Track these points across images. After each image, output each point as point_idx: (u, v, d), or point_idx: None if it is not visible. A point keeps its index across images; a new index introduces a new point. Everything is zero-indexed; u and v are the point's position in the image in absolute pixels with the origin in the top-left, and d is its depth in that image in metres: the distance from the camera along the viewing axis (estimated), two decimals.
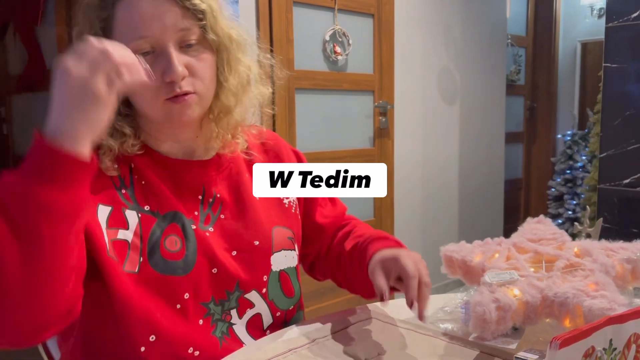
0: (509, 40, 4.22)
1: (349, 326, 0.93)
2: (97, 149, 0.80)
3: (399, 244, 0.95)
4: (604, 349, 0.54)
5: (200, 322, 0.84)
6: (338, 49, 2.71)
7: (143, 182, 0.84)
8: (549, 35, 4.61)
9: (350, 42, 2.75)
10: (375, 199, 2.98)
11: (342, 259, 1.01)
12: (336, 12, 2.68)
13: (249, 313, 0.89)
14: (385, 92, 2.95)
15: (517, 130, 4.57)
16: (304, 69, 2.58)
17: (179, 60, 0.79)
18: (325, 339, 0.88)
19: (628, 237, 0.98)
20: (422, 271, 0.84)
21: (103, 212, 0.79)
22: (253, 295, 0.89)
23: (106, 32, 0.80)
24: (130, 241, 0.80)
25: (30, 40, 2.45)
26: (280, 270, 0.93)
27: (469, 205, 3.62)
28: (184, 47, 0.80)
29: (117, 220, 0.80)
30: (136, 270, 0.80)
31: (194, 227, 0.85)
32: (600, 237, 1.05)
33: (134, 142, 0.83)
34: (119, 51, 0.68)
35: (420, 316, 0.82)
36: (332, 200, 1.07)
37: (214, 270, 0.85)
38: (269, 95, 0.94)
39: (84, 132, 0.66)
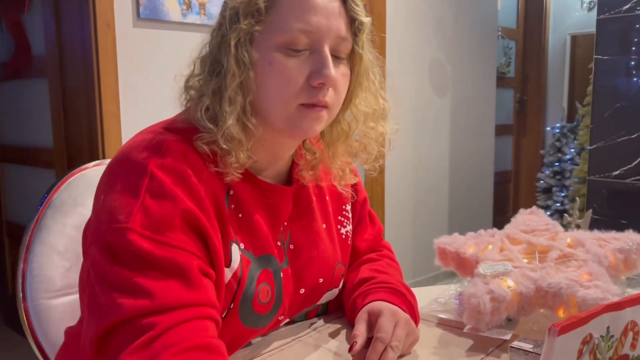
0: (500, 33, 4.22)
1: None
2: (224, 155, 0.71)
3: (399, 299, 0.84)
4: (601, 336, 0.54)
5: None
6: None
7: (240, 215, 0.74)
8: (539, 27, 4.62)
9: None
10: (366, 191, 2.97)
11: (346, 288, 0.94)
12: None
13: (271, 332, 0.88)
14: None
15: (506, 123, 4.58)
16: None
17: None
18: (326, 326, 0.89)
19: (617, 228, 0.99)
20: (397, 334, 0.76)
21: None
22: (284, 322, 0.87)
23: (269, 10, 0.70)
24: (227, 282, 0.71)
25: (17, 27, 2.41)
26: (321, 303, 0.90)
27: (459, 197, 3.63)
28: (333, 57, 0.72)
29: (224, 255, 0.71)
30: (223, 316, 0.72)
31: (282, 274, 0.79)
32: (589, 229, 1.06)
33: (248, 155, 0.72)
34: None
35: None
36: (372, 220, 1.00)
37: (281, 318, 0.83)
38: (388, 135, 0.85)
39: None
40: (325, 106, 0.73)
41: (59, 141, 2.19)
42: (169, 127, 0.73)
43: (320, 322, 0.91)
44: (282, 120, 0.73)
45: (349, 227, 0.93)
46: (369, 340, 0.77)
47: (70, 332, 0.85)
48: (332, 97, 0.74)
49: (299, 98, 0.71)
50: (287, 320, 0.88)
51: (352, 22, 0.74)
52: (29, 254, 0.97)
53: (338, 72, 0.73)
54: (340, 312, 0.94)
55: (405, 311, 0.82)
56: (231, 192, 0.74)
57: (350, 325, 0.85)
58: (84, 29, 1.93)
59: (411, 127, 3.23)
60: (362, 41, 0.76)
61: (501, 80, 4.30)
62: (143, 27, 2.01)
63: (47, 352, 0.97)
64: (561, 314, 0.82)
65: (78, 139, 2.09)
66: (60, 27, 2.07)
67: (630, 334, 0.57)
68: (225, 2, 0.74)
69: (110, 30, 1.92)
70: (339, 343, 0.83)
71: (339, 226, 0.91)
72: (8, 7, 2.42)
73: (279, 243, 0.80)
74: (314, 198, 0.86)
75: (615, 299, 0.76)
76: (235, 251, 0.73)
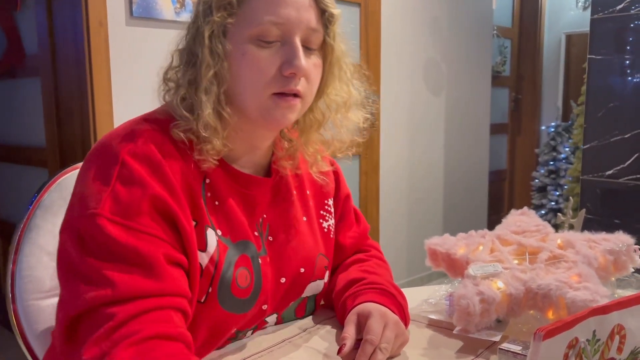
0: (495, 32, 4.23)
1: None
2: (202, 141, 0.73)
3: (389, 300, 0.84)
4: (587, 340, 0.54)
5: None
6: None
7: (217, 203, 0.77)
8: (534, 26, 4.62)
9: None
10: (360, 189, 2.97)
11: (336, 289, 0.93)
12: None
13: (260, 331, 0.88)
14: (371, 82, 2.93)
15: (502, 122, 4.59)
16: None
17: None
18: (316, 327, 0.89)
19: (610, 227, 0.99)
20: (386, 336, 0.76)
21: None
22: (272, 318, 0.88)
23: (241, 4, 0.73)
24: (204, 266, 0.73)
25: (9, 25, 2.40)
26: (306, 297, 0.91)
27: (454, 195, 3.63)
28: (304, 48, 0.75)
29: (199, 239, 0.73)
30: (202, 300, 0.74)
31: (260, 260, 0.81)
32: (582, 228, 1.06)
33: (224, 143, 0.75)
34: None
35: None
36: (358, 218, 1.02)
37: (264, 307, 0.83)
38: (360, 124, 0.88)
39: None
40: (297, 95, 0.76)
41: (51, 140, 2.18)
42: (148, 117, 0.76)
43: (310, 323, 0.91)
44: (256, 109, 0.75)
45: (332, 222, 0.94)
46: (358, 342, 0.77)
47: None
48: (305, 86, 0.76)
49: (271, 87, 0.74)
50: (275, 315, 0.88)
51: (323, 14, 0.77)
52: (18, 255, 0.97)
53: (309, 62, 0.76)
54: (331, 313, 0.94)
55: (394, 312, 0.82)
56: (207, 181, 0.76)
57: (341, 326, 0.85)
58: (77, 27, 1.92)
59: (406, 126, 3.23)
60: (333, 32, 0.78)
61: (496, 79, 4.30)
62: (136, 26, 2.00)
63: (37, 353, 0.96)
64: (550, 315, 0.82)
65: (71, 137, 2.08)
66: (53, 26, 2.06)
67: (617, 337, 0.57)
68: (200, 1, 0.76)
69: (103, 29, 1.91)
70: (329, 344, 0.83)
71: (321, 220, 0.92)
72: (0, 6, 2.41)
73: (256, 233, 0.82)
74: (295, 191, 0.88)
75: (605, 300, 0.77)
76: (211, 236, 0.74)
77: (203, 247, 0.73)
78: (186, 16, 2.11)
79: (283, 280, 0.85)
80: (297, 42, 0.74)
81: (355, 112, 0.86)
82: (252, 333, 0.86)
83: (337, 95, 0.83)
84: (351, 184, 2.93)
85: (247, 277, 0.78)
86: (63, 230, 0.69)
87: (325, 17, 0.77)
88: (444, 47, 3.41)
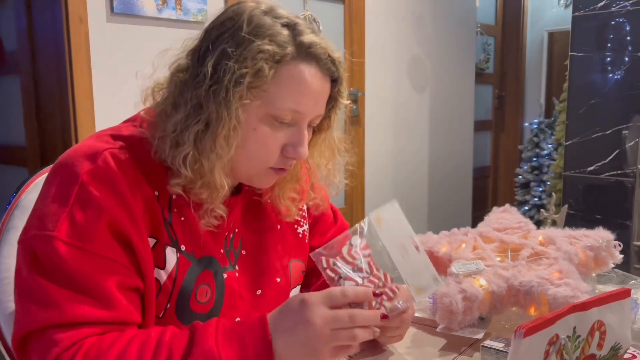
0: (479, 29, 4.25)
1: None
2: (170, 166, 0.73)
3: None
4: (567, 337, 0.55)
5: None
6: None
7: (182, 219, 0.77)
8: (517, 24, 4.66)
9: (321, 28, 2.72)
10: (346, 186, 2.97)
11: None
12: None
13: None
14: (356, 79, 2.93)
15: (485, 119, 4.61)
16: None
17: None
18: None
19: (592, 222, 1.00)
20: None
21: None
22: None
23: (272, 79, 0.73)
24: (162, 283, 0.74)
25: None
26: None
27: (439, 192, 3.65)
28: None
29: (157, 257, 0.74)
30: (160, 315, 0.75)
31: (225, 275, 0.81)
32: (565, 223, 1.07)
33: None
34: (364, 314, 0.67)
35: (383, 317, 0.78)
36: (336, 215, 1.04)
37: (237, 320, 0.82)
38: (338, 184, 0.93)
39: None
40: (288, 169, 0.80)
41: (31, 139, 2.14)
42: (114, 133, 0.76)
43: None
44: (247, 174, 0.79)
45: (306, 227, 0.95)
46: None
47: None
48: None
49: (270, 163, 0.77)
50: None
51: (332, 100, 0.81)
52: None
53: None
54: None
55: None
56: (174, 197, 0.76)
57: None
58: (56, 24, 1.89)
59: (390, 124, 3.23)
60: (334, 114, 0.83)
61: (480, 76, 4.32)
62: (117, 22, 1.98)
63: (17, 357, 0.95)
64: (532, 312, 0.82)
65: (51, 136, 2.05)
66: (32, 22, 2.03)
67: (597, 333, 0.57)
68: (225, 56, 0.71)
69: (83, 25, 1.88)
70: None
71: (296, 226, 0.93)
72: None
73: (222, 250, 0.81)
74: (269, 200, 0.88)
75: (586, 296, 0.77)
76: (170, 254, 0.75)
77: (162, 265, 0.74)
78: (169, 13, 2.08)
79: (259, 292, 0.85)
80: (305, 128, 0.77)
81: (334, 174, 0.90)
82: None
83: (322, 157, 0.87)
84: None
85: (208, 292, 0.79)
86: (20, 243, 0.70)
87: (332, 103, 0.81)
88: (428, 44, 3.41)
